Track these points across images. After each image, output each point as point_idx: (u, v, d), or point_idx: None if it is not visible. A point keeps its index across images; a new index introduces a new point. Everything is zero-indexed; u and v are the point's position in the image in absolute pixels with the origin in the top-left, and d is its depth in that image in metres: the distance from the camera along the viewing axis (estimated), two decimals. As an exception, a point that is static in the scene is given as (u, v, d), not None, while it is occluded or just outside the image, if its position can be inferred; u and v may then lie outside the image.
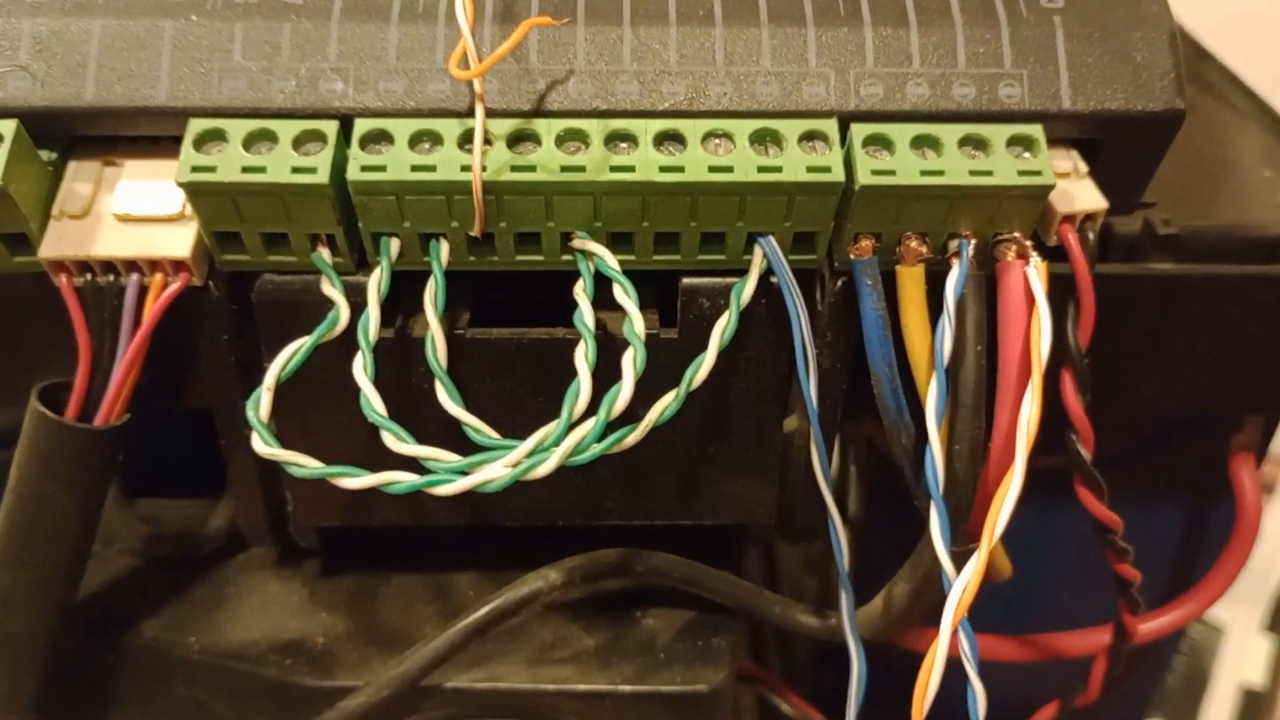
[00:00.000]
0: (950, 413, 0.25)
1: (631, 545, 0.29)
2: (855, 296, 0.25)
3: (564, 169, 0.23)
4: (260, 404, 0.22)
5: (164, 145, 0.25)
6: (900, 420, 0.25)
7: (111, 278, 0.25)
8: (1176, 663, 0.72)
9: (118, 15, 0.24)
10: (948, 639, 0.22)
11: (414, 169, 0.23)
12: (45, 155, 0.25)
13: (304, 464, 0.22)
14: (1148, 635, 0.34)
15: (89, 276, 0.25)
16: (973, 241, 0.25)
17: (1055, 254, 0.26)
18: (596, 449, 0.23)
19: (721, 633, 0.30)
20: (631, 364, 0.23)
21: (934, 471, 0.24)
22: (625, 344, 0.24)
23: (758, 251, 0.25)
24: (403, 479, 0.22)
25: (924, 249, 0.25)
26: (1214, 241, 0.28)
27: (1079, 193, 0.25)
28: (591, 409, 0.23)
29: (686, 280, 0.26)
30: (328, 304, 0.25)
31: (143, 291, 0.25)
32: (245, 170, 0.23)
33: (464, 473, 0.22)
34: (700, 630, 0.30)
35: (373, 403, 0.22)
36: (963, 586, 0.22)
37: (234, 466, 0.29)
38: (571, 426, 0.23)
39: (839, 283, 0.26)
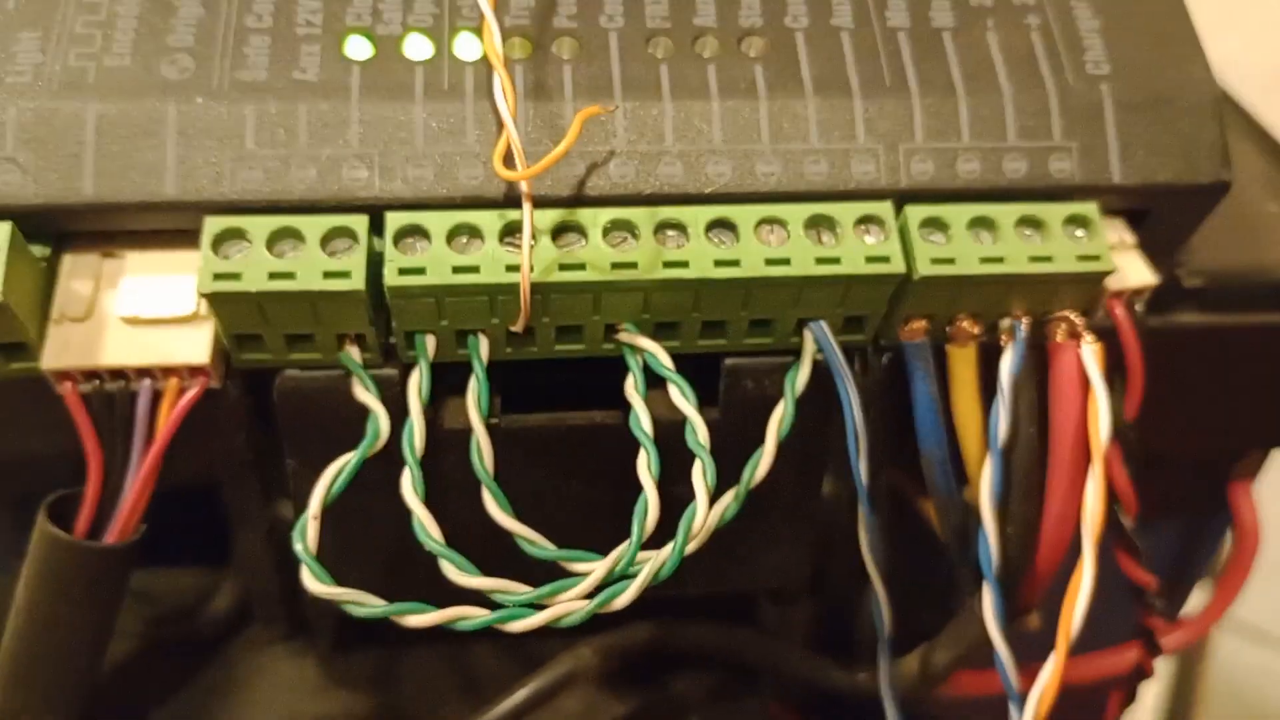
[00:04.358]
0: (1002, 494, 0.24)
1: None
2: (905, 377, 0.24)
3: (614, 265, 0.22)
4: (308, 535, 0.21)
5: (165, 234, 0.23)
6: (951, 499, 0.25)
7: (121, 383, 0.23)
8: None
9: (114, 98, 0.22)
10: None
11: (455, 270, 0.22)
12: (38, 251, 0.23)
13: (366, 603, 0.20)
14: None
15: (96, 383, 0.23)
16: (1026, 321, 0.24)
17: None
18: (668, 568, 0.22)
19: (751, 693, 0.30)
20: (702, 478, 0.22)
21: (988, 553, 0.24)
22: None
23: (808, 336, 0.24)
24: (473, 615, 0.20)
25: (976, 329, 0.24)
26: (1237, 291, 0.28)
27: (1128, 267, 0.25)
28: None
29: (730, 361, 0.25)
30: (355, 403, 0.23)
31: (156, 396, 0.23)
32: (273, 277, 0.21)
33: (537, 605, 0.21)
34: (730, 691, 0.30)
35: (428, 528, 0.21)
36: (1037, 699, 0.22)
37: (245, 553, 0.27)
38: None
39: (883, 359, 0.25)
